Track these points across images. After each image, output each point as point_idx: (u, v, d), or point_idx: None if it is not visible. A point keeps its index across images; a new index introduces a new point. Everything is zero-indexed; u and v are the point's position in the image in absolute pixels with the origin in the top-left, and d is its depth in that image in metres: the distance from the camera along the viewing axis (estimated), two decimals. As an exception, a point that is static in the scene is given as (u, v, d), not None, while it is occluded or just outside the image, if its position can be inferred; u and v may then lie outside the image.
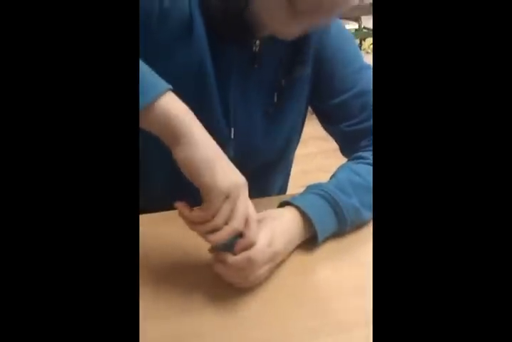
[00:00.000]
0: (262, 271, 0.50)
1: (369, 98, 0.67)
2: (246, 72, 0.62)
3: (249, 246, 0.47)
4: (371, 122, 0.67)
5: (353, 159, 0.67)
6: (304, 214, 0.56)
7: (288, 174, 0.86)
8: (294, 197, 0.59)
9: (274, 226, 0.52)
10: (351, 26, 2.89)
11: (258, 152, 0.69)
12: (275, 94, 0.65)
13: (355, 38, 3.05)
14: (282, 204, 0.59)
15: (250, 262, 0.47)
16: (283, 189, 0.86)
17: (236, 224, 0.46)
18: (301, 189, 0.62)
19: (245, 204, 0.47)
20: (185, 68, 0.59)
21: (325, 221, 0.57)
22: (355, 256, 0.58)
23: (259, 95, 0.65)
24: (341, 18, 3.09)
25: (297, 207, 0.56)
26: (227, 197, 0.45)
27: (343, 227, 0.59)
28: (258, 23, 0.56)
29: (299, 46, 0.64)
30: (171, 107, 0.44)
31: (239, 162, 0.65)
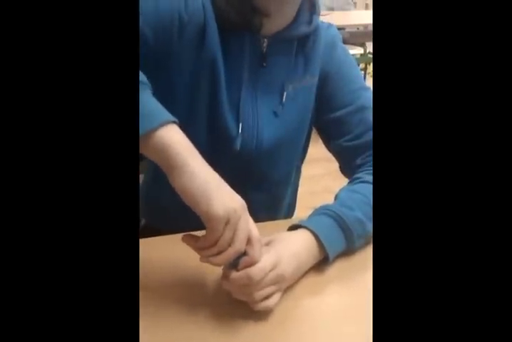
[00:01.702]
0: (267, 291, 0.50)
1: (367, 115, 0.70)
2: (255, 71, 0.66)
3: (252, 264, 0.48)
4: (367, 138, 0.69)
5: (351, 181, 0.70)
6: (315, 236, 0.56)
7: (295, 191, 0.87)
8: (302, 220, 0.60)
9: (282, 249, 0.53)
10: (356, 51, 2.95)
11: (263, 150, 0.71)
12: (284, 94, 0.69)
13: (360, 62, 3.12)
14: (292, 228, 0.60)
15: (249, 279, 0.47)
16: (291, 208, 0.87)
17: (238, 245, 0.47)
18: (309, 210, 0.62)
19: (246, 226, 0.48)
20: (198, 67, 0.64)
21: (334, 240, 0.58)
22: (366, 276, 0.58)
23: (268, 95, 0.69)
24: (347, 43, 3.16)
25: (307, 228, 0.57)
26: (227, 222, 0.46)
27: (351, 243, 0.60)
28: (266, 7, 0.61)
29: (308, 56, 0.69)
30: (168, 139, 0.47)
31: (245, 156, 0.69)
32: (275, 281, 0.51)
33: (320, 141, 0.77)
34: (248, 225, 0.48)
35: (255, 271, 0.48)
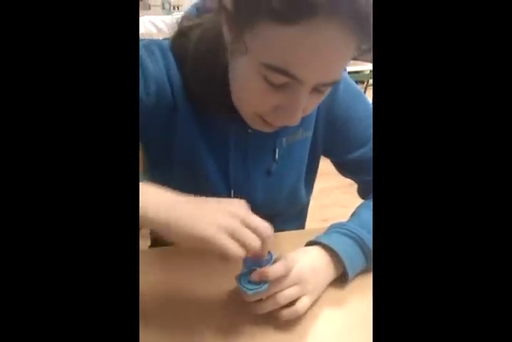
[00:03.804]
0: (290, 292, 0.51)
1: None
2: (243, 138, 0.63)
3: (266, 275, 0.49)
4: None
5: (370, 199, 0.68)
6: (334, 253, 0.56)
7: (303, 220, 0.86)
8: (319, 235, 0.60)
9: (299, 262, 0.54)
10: (368, 67, 2.97)
11: (259, 209, 0.67)
12: (276, 151, 0.66)
13: (370, 78, 3.12)
14: (310, 244, 0.59)
15: (267, 276, 0.48)
16: (301, 228, 0.86)
17: (253, 243, 0.45)
18: (320, 223, 0.62)
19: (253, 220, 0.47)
20: (180, 147, 0.62)
21: (354, 260, 0.57)
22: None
23: (259, 155, 0.66)
24: (358, 59, 3.18)
25: (324, 245, 0.57)
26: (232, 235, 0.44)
27: (370, 263, 0.59)
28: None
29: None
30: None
31: None
32: (296, 282, 0.51)
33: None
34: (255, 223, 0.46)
35: (273, 268, 0.49)
